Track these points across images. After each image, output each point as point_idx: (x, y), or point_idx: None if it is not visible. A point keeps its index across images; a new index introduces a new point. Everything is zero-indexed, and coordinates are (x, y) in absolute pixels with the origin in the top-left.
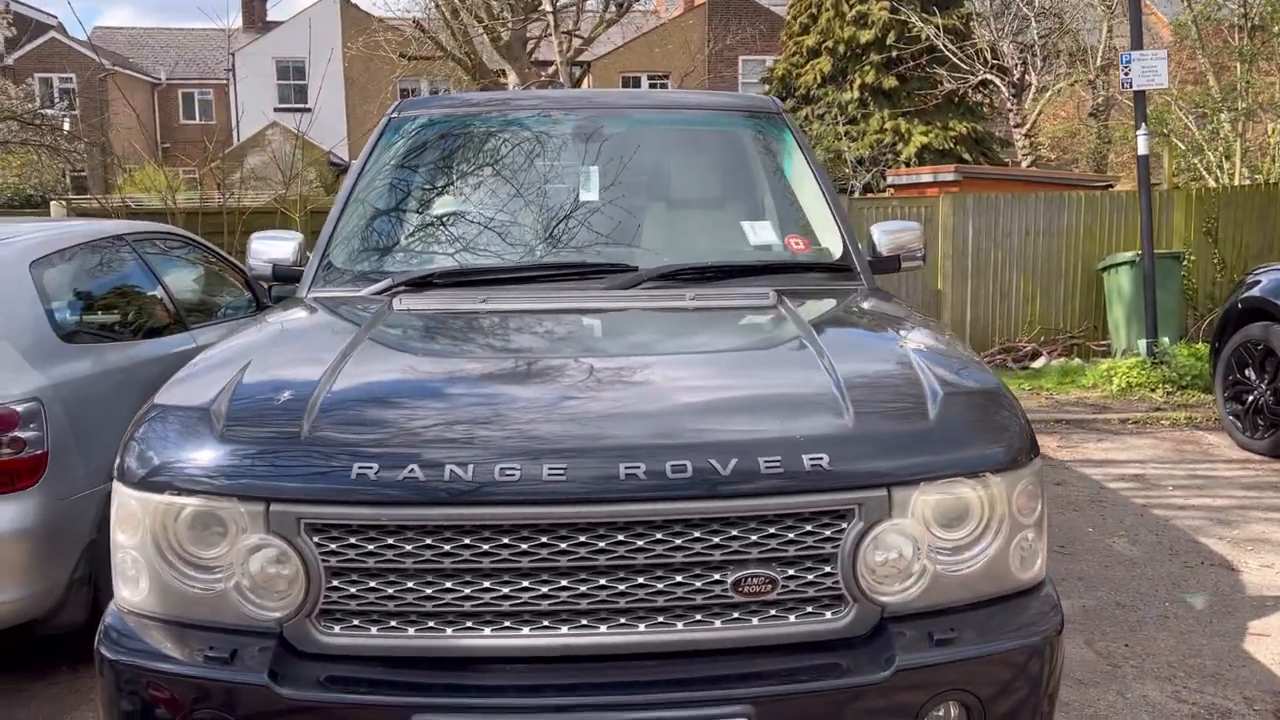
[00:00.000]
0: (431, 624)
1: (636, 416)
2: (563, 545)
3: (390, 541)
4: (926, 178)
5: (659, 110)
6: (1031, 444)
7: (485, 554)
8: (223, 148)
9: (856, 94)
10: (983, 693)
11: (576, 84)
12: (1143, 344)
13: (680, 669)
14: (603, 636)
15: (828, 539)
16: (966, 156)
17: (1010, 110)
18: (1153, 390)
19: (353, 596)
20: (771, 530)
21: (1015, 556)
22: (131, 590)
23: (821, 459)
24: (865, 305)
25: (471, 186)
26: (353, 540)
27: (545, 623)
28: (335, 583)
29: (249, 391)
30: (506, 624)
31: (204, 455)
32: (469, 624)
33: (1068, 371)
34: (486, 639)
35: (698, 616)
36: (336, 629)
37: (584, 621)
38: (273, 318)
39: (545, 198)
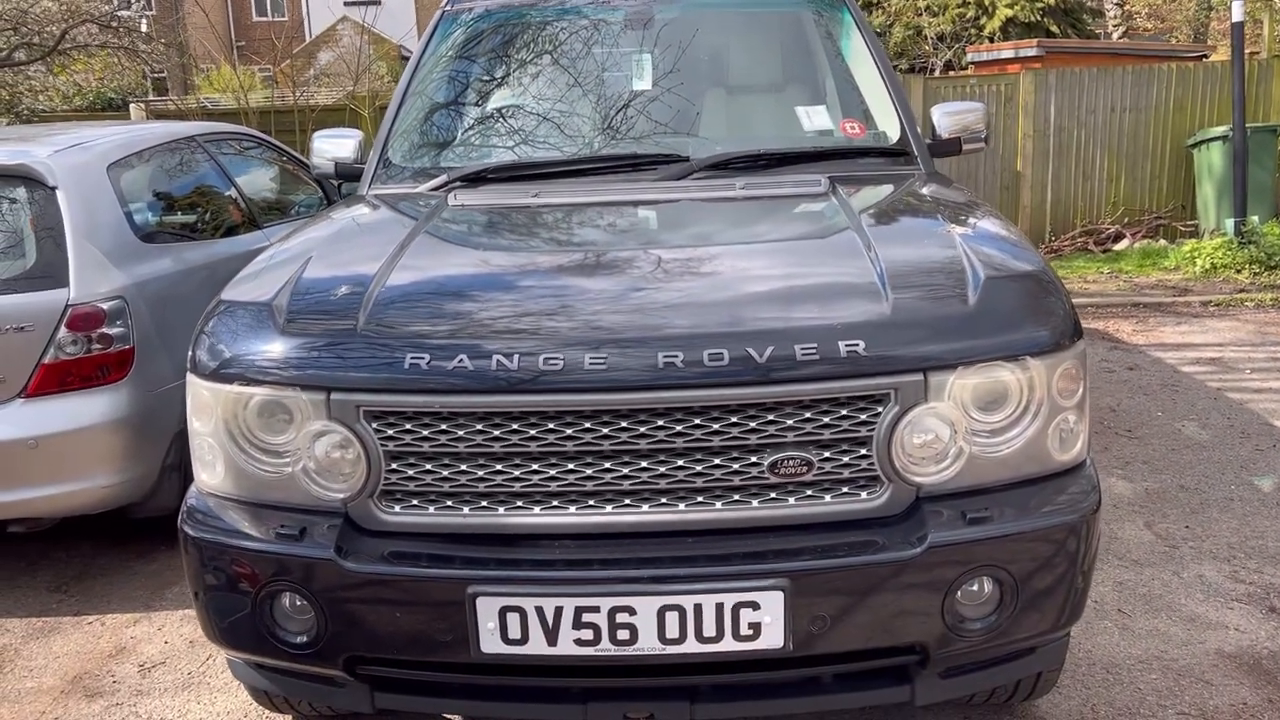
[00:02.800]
0: (485, 504)
1: (676, 306)
2: (605, 430)
3: (444, 427)
4: (1008, 53)
5: None
6: (1074, 327)
7: (532, 439)
8: (295, 45)
9: None
10: (1015, 569)
11: None
12: (1230, 223)
13: (719, 545)
14: (645, 515)
15: (864, 423)
16: (1054, 29)
17: None
18: (1238, 271)
19: (411, 478)
20: (808, 415)
21: (1054, 438)
22: (209, 474)
23: (857, 345)
24: (919, 190)
25: (524, 79)
26: (408, 426)
27: (591, 502)
28: (394, 465)
29: (308, 286)
30: (554, 503)
31: (268, 348)
32: (519, 504)
33: (1149, 254)
34: (536, 517)
35: (736, 497)
36: (397, 508)
37: (627, 501)
38: (333, 215)
39: (599, 88)
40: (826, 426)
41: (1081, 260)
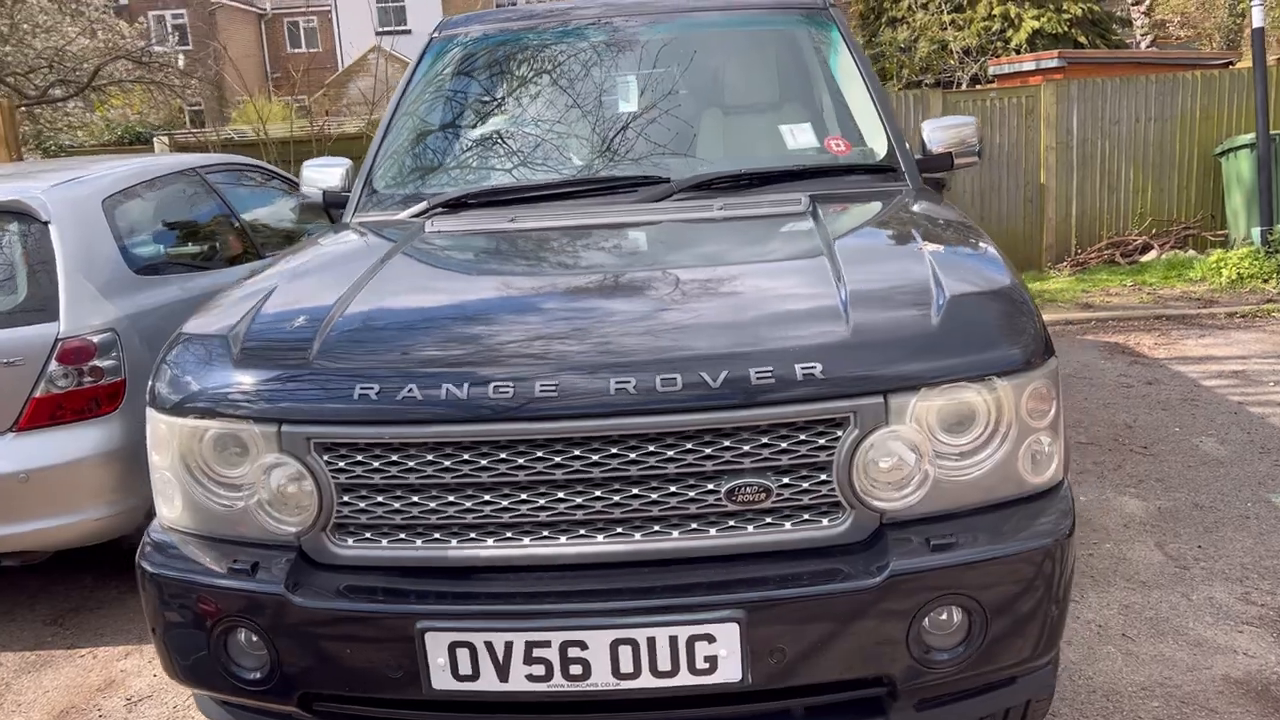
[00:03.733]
0: (437, 536)
1: (631, 331)
2: (557, 459)
3: (394, 458)
4: (1029, 65)
5: (697, 13)
6: (1045, 346)
7: (483, 469)
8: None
9: None
10: (984, 597)
11: None
12: (1257, 232)
13: (676, 576)
14: (600, 545)
15: (823, 447)
16: (1082, 40)
17: None
18: (1265, 281)
19: (362, 511)
20: (765, 440)
21: (1025, 460)
22: (168, 508)
23: (814, 368)
24: (899, 207)
25: (510, 104)
26: (359, 458)
27: (545, 533)
28: (346, 498)
29: (268, 317)
30: (508, 535)
31: (222, 380)
32: (472, 536)
33: (1174, 264)
34: (489, 549)
35: (693, 525)
36: (350, 541)
37: (581, 531)
38: (310, 244)
39: (584, 111)
40: (785, 452)
41: (1105, 273)
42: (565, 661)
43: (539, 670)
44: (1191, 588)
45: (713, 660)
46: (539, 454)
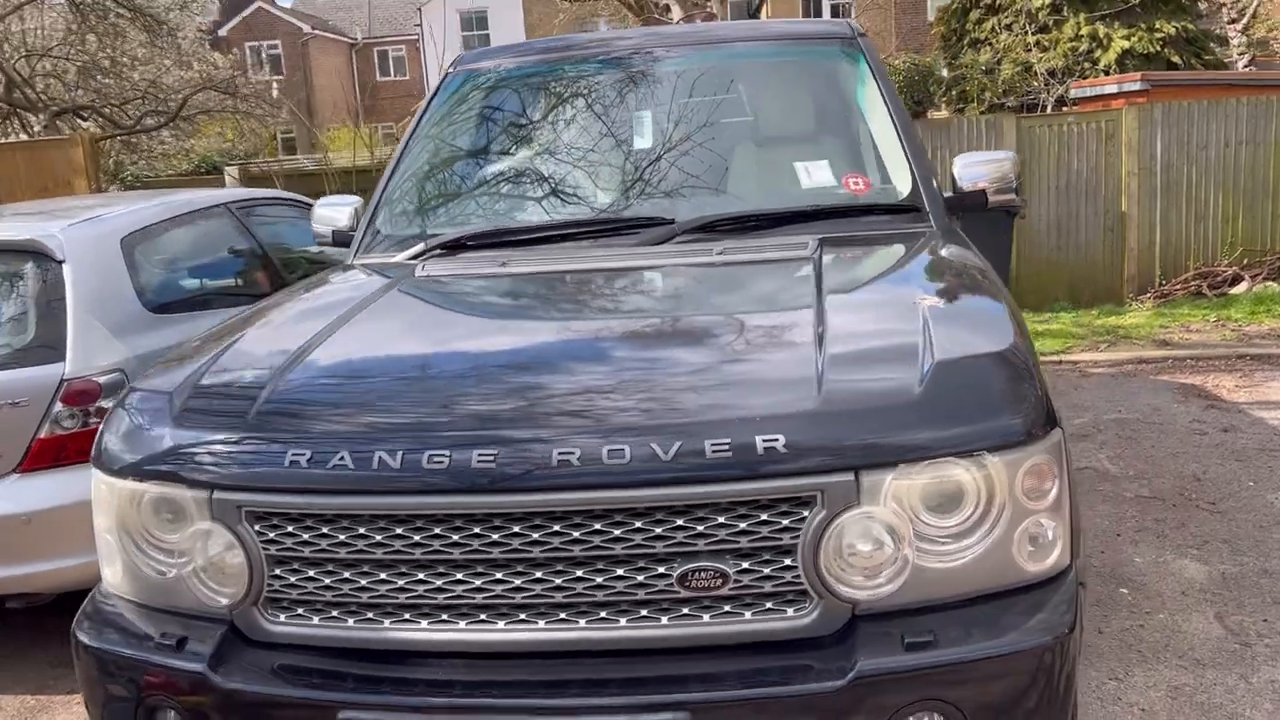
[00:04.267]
0: (370, 615)
1: (583, 397)
2: (495, 536)
3: (325, 530)
4: (1110, 88)
5: (718, 46)
6: (1045, 417)
7: (417, 544)
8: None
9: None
10: (967, 704)
11: (755, 13)
12: None
13: (622, 668)
14: (540, 632)
15: (786, 529)
16: (1176, 60)
17: (1224, 3)
18: None
19: (294, 585)
20: (721, 520)
21: (1021, 546)
22: (110, 571)
23: (777, 440)
24: (910, 253)
25: (515, 142)
26: (290, 529)
27: (482, 617)
28: (278, 570)
29: (217, 373)
30: (443, 618)
31: (159, 441)
32: (406, 616)
33: (1263, 299)
34: (422, 633)
35: (643, 612)
36: (282, 617)
37: (522, 617)
38: (298, 288)
39: (589, 150)
40: (744, 533)
41: (1188, 306)
42: None
43: None
44: (1252, 668)
45: None
46: (476, 530)
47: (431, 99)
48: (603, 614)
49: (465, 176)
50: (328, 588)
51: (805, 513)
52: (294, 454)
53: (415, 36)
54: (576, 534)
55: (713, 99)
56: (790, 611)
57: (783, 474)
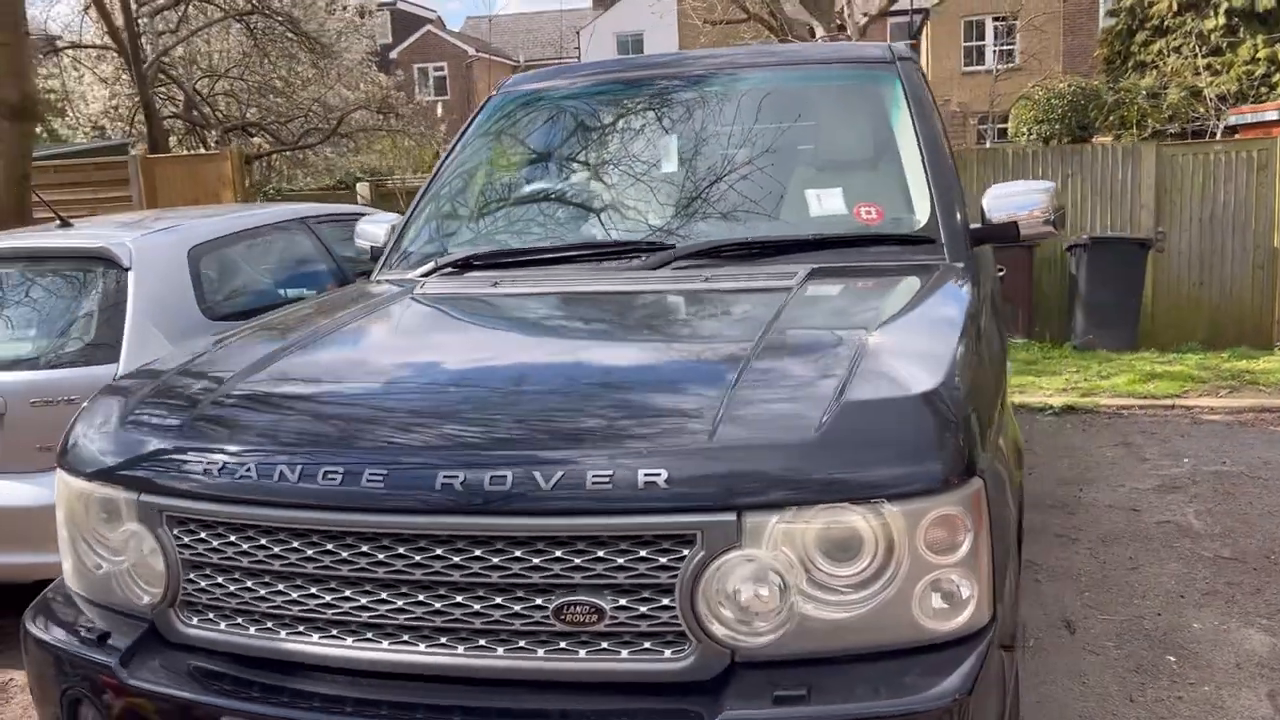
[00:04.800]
0: (269, 625)
1: (487, 421)
2: (381, 555)
3: (233, 539)
4: (1271, 114)
5: (754, 71)
6: (961, 466)
7: (309, 559)
8: None
9: (1222, 20)
10: None
11: (916, 35)
12: None
13: (500, 698)
14: (420, 655)
15: (664, 567)
16: None
17: None
18: None
19: (205, 590)
20: (600, 554)
21: (923, 602)
22: (66, 566)
23: (658, 475)
24: (899, 286)
25: (535, 165)
26: (202, 535)
27: (368, 635)
28: (192, 575)
29: (178, 378)
30: (333, 632)
31: (105, 442)
32: (300, 629)
33: None
34: (313, 646)
35: (521, 643)
36: (195, 620)
37: (405, 638)
38: (309, 303)
39: (605, 173)
40: (622, 569)
41: None
42: None
43: None
44: None
45: None
46: (364, 548)
47: (470, 121)
48: (481, 642)
49: (487, 197)
50: (233, 595)
51: (685, 551)
52: (208, 462)
53: (574, 60)
54: (457, 559)
55: (734, 125)
56: (668, 654)
57: (662, 510)
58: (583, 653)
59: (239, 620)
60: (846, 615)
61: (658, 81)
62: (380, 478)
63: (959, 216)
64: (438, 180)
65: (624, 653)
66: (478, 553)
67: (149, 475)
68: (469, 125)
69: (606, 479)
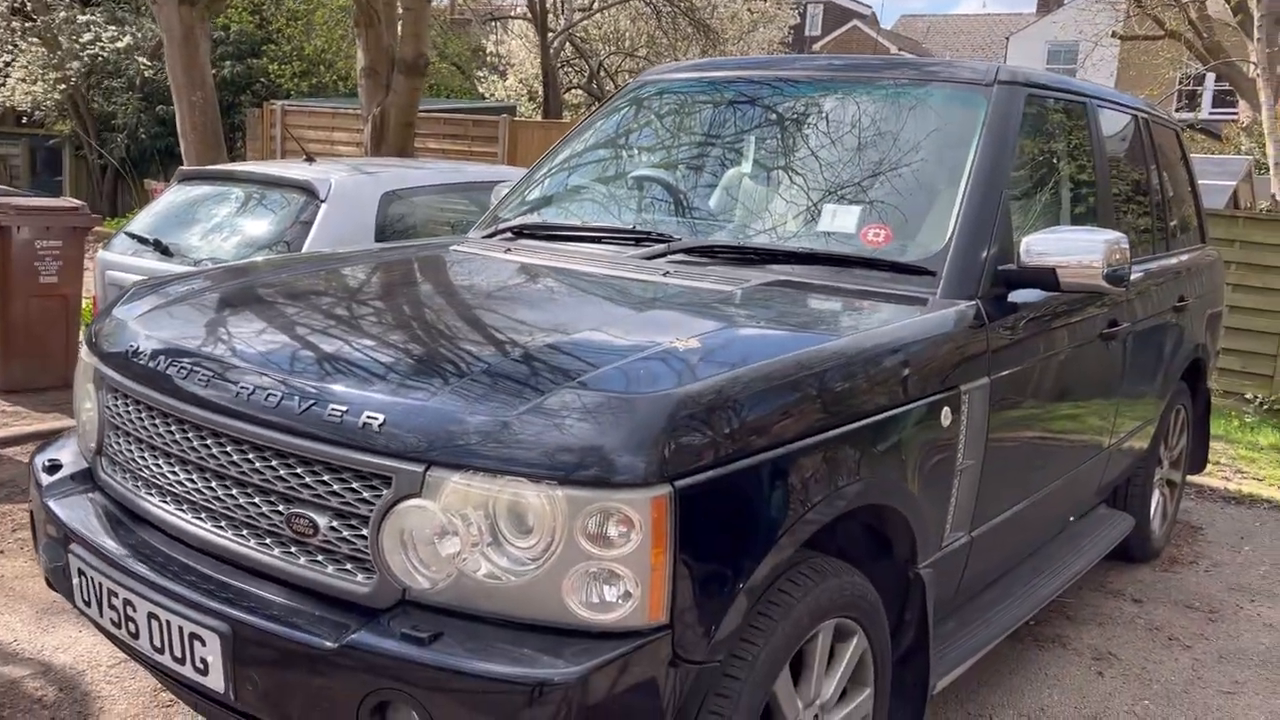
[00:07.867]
0: (127, 477)
1: (309, 348)
2: (192, 439)
3: (128, 408)
4: None
5: (839, 78)
6: (648, 469)
7: (159, 434)
8: None
9: None
10: (436, 708)
11: None
12: None
13: (226, 575)
14: (194, 526)
15: (366, 500)
16: None
17: None
18: None
19: (113, 446)
20: (325, 477)
21: (576, 588)
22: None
23: (376, 418)
24: (820, 308)
25: (616, 151)
26: (114, 401)
27: (166, 500)
28: (109, 433)
29: (197, 278)
30: (150, 493)
31: (96, 323)
32: (138, 485)
33: None
34: (140, 499)
35: (266, 539)
36: (109, 469)
37: (186, 509)
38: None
39: (655, 166)
40: (336, 494)
41: None
42: (125, 619)
43: (114, 616)
44: None
45: (205, 663)
46: (185, 432)
47: (601, 105)
48: (241, 530)
49: (570, 175)
50: (119, 449)
51: (384, 491)
52: (131, 343)
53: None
54: (234, 456)
55: (798, 133)
56: (360, 577)
57: (373, 450)
58: (303, 559)
59: (119, 470)
60: (501, 583)
61: (737, 85)
62: (205, 378)
63: (983, 254)
64: (548, 157)
65: (330, 568)
66: (250, 455)
67: (102, 348)
68: (598, 109)
69: (339, 413)
